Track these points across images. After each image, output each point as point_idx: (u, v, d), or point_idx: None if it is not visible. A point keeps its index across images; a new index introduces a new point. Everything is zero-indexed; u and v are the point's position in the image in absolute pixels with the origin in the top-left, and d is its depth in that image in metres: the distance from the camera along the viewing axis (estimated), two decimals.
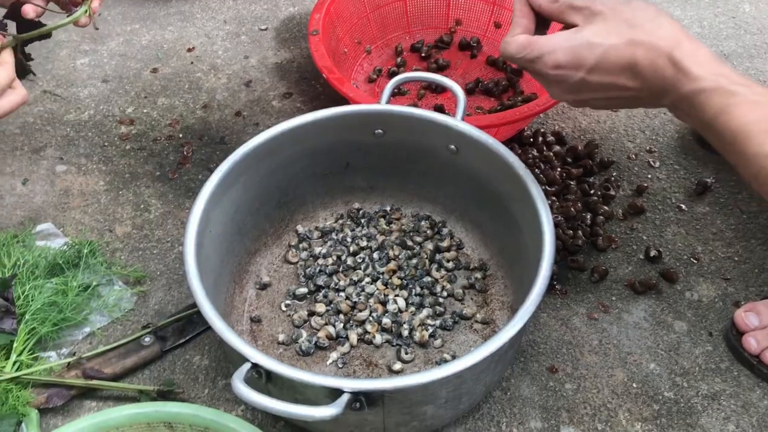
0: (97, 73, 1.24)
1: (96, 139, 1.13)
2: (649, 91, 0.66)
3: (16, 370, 0.80)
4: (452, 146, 0.89)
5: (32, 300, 0.85)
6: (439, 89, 1.18)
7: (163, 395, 0.81)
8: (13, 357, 0.81)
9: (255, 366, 0.66)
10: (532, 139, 1.10)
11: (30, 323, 0.83)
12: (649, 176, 1.08)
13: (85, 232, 0.99)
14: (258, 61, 1.28)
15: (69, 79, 1.23)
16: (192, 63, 1.27)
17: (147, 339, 0.86)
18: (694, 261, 0.97)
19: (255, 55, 1.30)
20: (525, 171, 0.81)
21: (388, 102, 0.91)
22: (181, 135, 1.14)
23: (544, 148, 1.09)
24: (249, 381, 0.65)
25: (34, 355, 0.83)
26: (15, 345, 0.81)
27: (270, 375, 0.66)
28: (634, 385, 0.85)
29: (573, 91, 0.70)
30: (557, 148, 1.09)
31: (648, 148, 1.12)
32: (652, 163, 1.10)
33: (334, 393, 0.64)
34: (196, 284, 0.73)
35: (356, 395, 0.65)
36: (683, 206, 1.04)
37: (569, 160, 1.08)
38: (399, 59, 1.24)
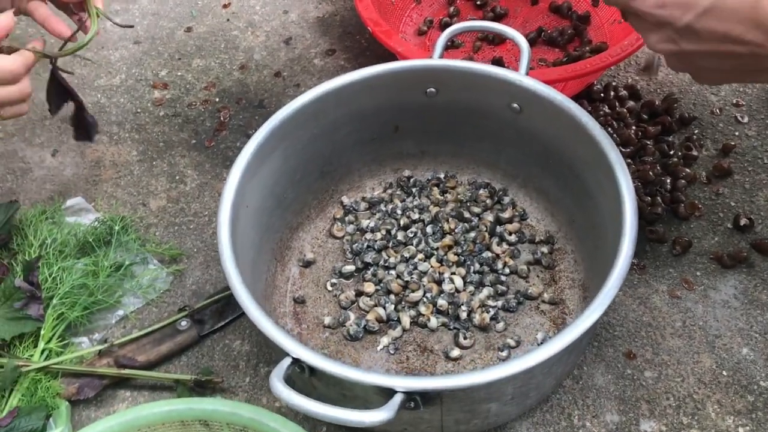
0: (128, 34, 1.17)
1: (128, 105, 1.06)
2: None
3: (45, 359, 0.75)
4: (515, 105, 0.79)
5: (60, 282, 0.79)
6: (498, 40, 1.08)
7: (201, 385, 0.75)
8: (41, 345, 0.75)
9: (296, 361, 0.59)
10: (602, 94, 0.99)
11: (58, 308, 0.78)
12: (737, 133, 0.96)
13: (117, 206, 0.93)
14: (298, 15, 1.19)
15: (99, 42, 1.16)
16: (228, 20, 1.19)
17: (183, 323, 0.80)
18: None
19: (295, 9, 1.20)
20: (601, 132, 0.71)
21: (442, 56, 0.82)
22: (217, 99, 1.06)
23: (617, 103, 0.98)
24: (290, 377, 0.58)
25: (64, 342, 0.78)
26: (43, 332, 0.76)
27: (314, 370, 0.59)
28: (724, 372, 0.75)
29: (676, 39, 0.57)
30: (631, 103, 0.98)
31: (734, 101, 1.00)
32: (739, 118, 0.98)
33: (386, 392, 0.57)
34: (230, 266, 0.66)
35: (410, 395, 0.57)
36: None
37: (645, 116, 0.97)
38: (452, 9, 1.14)
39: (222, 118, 1.03)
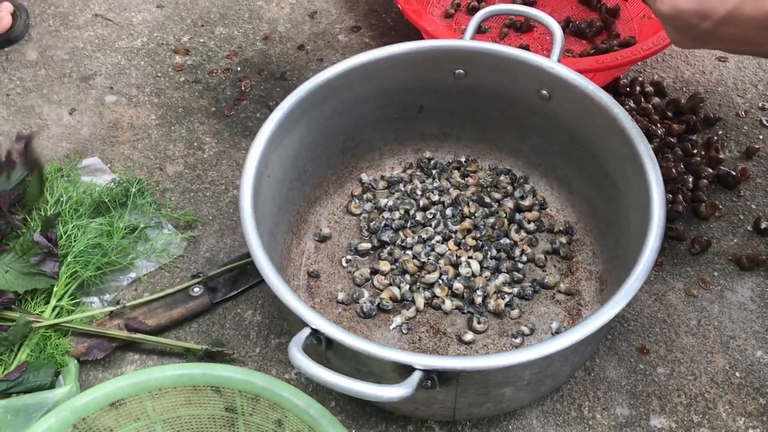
0: None
1: (149, 69, 1.05)
2: None
3: (56, 317, 0.74)
4: (544, 91, 0.78)
5: (75, 241, 0.79)
6: (525, 28, 1.06)
7: (211, 356, 0.74)
8: (53, 302, 0.75)
9: (315, 332, 0.58)
10: (628, 89, 0.98)
11: (72, 266, 0.77)
12: (761, 137, 0.96)
13: (134, 169, 0.92)
14: None
15: (122, 3, 1.14)
16: None
17: (196, 289, 0.79)
18: None
19: None
20: (632, 124, 0.70)
21: (473, 38, 0.80)
22: (239, 68, 1.05)
23: (642, 99, 0.97)
24: (307, 347, 0.58)
25: (76, 300, 0.77)
26: (55, 289, 0.75)
27: (331, 342, 0.59)
28: (737, 374, 0.75)
29: (699, 41, 0.58)
30: (656, 99, 0.97)
31: (761, 104, 0.99)
32: (765, 122, 0.97)
33: (404, 369, 0.56)
34: (253, 234, 0.65)
35: (428, 373, 0.56)
36: None
37: (670, 114, 0.96)
38: None
39: (243, 88, 1.02)
